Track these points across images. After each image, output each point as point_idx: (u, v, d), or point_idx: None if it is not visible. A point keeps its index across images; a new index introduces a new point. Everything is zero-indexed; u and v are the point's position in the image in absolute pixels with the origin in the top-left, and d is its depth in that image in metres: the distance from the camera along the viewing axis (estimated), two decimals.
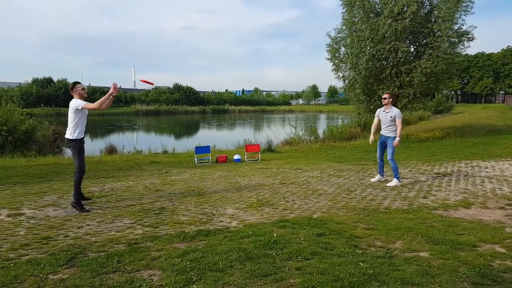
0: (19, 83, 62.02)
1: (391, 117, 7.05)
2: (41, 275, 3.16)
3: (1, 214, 5.27)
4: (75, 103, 5.35)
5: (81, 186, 5.71)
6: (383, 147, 7.32)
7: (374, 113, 24.96)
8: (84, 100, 5.42)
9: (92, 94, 65.93)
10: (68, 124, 5.47)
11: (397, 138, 6.99)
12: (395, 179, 7.13)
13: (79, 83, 5.57)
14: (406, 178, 7.84)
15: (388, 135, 7.19)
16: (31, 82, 60.83)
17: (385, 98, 7.17)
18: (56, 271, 3.26)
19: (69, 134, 5.47)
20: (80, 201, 5.52)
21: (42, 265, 3.37)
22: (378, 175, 7.57)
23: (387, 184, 7.09)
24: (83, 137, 5.65)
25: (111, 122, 41.67)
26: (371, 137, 7.53)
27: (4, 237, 4.27)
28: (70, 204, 5.57)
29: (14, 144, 13.73)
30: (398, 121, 6.97)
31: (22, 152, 13.45)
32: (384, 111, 7.21)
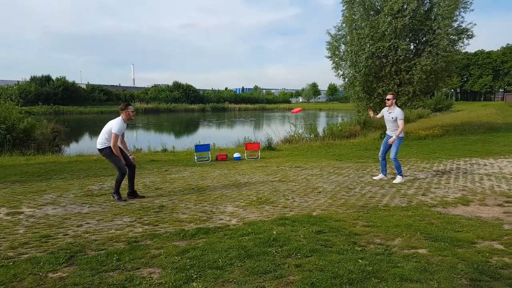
0: (18, 81, 61.90)
1: (392, 118, 7.08)
2: (41, 274, 3.16)
3: (0, 213, 5.28)
4: (116, 126, 5.91)
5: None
6: (387, 146, 7.33)
7: (374, 110, 25.05)
8: (127, 120, 6.13)
9: (91, 92, 66.05)
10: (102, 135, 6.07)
11: (393, 137, 7.06)
12: (399, 176, 7.21)
13: (131, 105, 6.25)
14: (406, 176, 7.85)
15: (392, 135, 7.21)
16: (29, 80, 60.69)
17: (388, 99, 7.14)
18: (56, 270, 3.26)
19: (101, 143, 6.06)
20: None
21: (42, 263, 3.37)
22: (381, 174, 7.56)
23: (393, 182, 7.16)
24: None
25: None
26: (372, 114, 7.51)
27: (3, 235, 4.27)
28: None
29: (12, 143, 13.71)
30: (400, 122, 6.99)
31: (21, 150, 13.43)
32: (387, 111, 7.22)
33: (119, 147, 6.05)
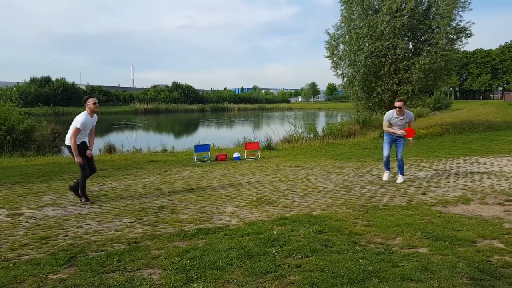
0: (17, 82, 61.86)
1: (406, 123, 6.98)
2: (41, 275, 3.16)
3: (0, 214, 5.27)
4: (78, 120, 5.66)
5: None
6: (392, 145, 7.18)
7: (373, 110, 25.02)
8: (92, 113, 5.86)
9: (91, 92, 65.96)
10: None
11: (403, 131, 6.94)
12: (402, 175, 7.18)
13: (93, 97, 5.87)
14: (405, 175, 7.85)
15: (399, 135, 7.09)
16: (29, 81, 60.66)
17: (400, 108, 6.86)
18: (56, 271, 3.26)
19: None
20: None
21: (42, 265, 3.37)
22: (387, 171, 7.39)
23: (397, 181, 7.08)
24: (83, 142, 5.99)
25: (109, 121, 41.59)
26: (397, 131, 7.00)
27: (3, 237, 4.27)
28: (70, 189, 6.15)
29: (12, 144, 13.70)
30: (412, 124, 7.07)
31: (21, 151, 13.43)
32: (397, 117, 6.95)
33: (82, 144, 5.83)
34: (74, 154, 5.66)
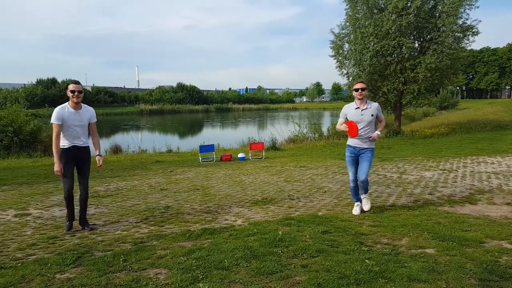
0: (24, 84, 62.46)
1: (372, 115, 4.80)
2: (48, 275, 3.18)
3: (8, 215, 5.32)
4: (53, 113, 4.32)
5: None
6: (357, 163, 5.01)
7: None
8: (74, 106, 4.39)
9: (96, 94, 66.35)
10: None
11: (377, 132, 4.89)
12: (366, 195, 5.13)
13: (74, 82, 4.43)
14: (412, 175, 7.80)
15: (363, 145, 4.88)
16: (35, 83, 61.22)
17: (362, 90, 4.77)
18: (63, 271, 3.28)
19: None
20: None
21: (49, 264, 3.39)
22: (357, 203, 5.19)
23: (364, 208, 5.09)
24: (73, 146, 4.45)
25: (116, 122, 41.81)
26: (343, 127, 4.88)
27: (11, 237, 4.30)
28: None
29: (19, 145, 13.84)
30: (383, 117, 5.03)
31: (28, 152, 13.56)
32: (358, 107, 4.85)
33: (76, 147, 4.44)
34: (54, 158, 4.30)
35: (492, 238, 3.94)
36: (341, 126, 4.93)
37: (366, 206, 5.05)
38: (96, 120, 4.68)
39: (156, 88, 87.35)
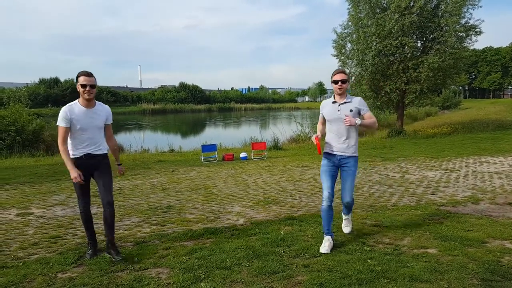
0: (26, 83, 62.66)
1: (351, 110, 3.66)
2: (50, 274, 3.19)
3: (10, 214, 5.33)
4: (59, 114, 3.45)
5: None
6: (335, 174, 3.86)
7: (381, 109, 24.82)
8: (86, 103, 3.51)
9: (99, 93, 66.43)
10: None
11: (358, 119, 3.59)
12: (348, 216, 4.16)
13: (85, 74, 3.46)
14: (414, 175, 7.78)
15: (346, 152, 3.73)
16: (38, 82, 61.43)
17: (342, 82, 3.65)
18: (65, 270, 3.29)
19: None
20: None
21: (51, 264, 3.40)
22: (327, 237, 3.77)
23: (344, 231, 4.16)
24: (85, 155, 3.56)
25: (119, 121, 41.89)
26: (319, 133, 3.81)
27: (13, 236, 4.32)
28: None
29: (22, 144, 13.88)
30: (370, 114, 3.72)
31: (30, 152, 13.60)
32: (335, 102, 3.76)
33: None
34: (67, 167, 3.44)
35: (494, 238, 3.93)
36: (319, 126, 3.96)
37: (347, 229, 4.11)
38: (112, 121, 3.79)
39: (159, 87, 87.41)
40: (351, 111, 3.65)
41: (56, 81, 61.68)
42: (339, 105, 3.70)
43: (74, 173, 3.40)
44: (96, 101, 3.61)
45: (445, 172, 7.97)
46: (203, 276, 3.08)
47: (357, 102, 3.70)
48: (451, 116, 30.61)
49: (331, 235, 3.81)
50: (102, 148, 3.67)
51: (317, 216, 4.87)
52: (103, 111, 3.66)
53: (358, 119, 3.59)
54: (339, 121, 3.67)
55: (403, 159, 10.11)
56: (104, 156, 3.68)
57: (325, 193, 3.77)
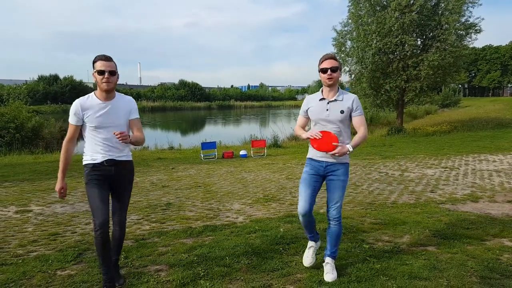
0: (26, 80, 62.55)
1: (342, 111, 2.91)
2: (49, 271, 3.18)
3: (9, 211, 5.33)
4: (72, 108, 2.80)
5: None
6: (318, 186, 3.06)
7: (381, 107, 24.86)
8: (105, 95, 2.78)
9: None
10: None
11: (350, 145, 2.85)
12: (332, 260, 3.06)
13: (103, 58, 2.75)
14: (414, 173, 7.79)
15: (334, 158, 2.95)
16: (37, 79, 61.30)
17: (332, 70, 2.89)
18: (64, 267, 3.28)
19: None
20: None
21: (50, 261, 3.39)
22: (311, 242, 3.23)
23: (325, 278, 2.94)
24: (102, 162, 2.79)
25: None
26: (304, 135, 3.12)
27: (12, 233, 4.31)
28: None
29: (21, 141, 13.88)
30: (361, 120, 2.96)
31: (30, 149, 13.60)
32: (323, 98, 3.00)
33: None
34: (58, 173, 2.82)
35: (493, 236, 3.93)
36: (299, 130, 3.21)
37: (329, 276, 2.94)
38: (138, 115, 3.02)
39: (158, 85, 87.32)
40: (342, 112, 2.90)
41: (55, 78, 61.53)
42: (328, 103, 2.94)
43: (60, 184, 2.80)
44: (116, 92, 2.88)
45: (445, 170, 7.98)
46: (203, 273, 3.08)
47: (350, 101, 2.93)
48: (451, 114, 30.62)
49: (315, 240, 3.20)
50: (126, 152, 2.90)
51: (315, 214, 4.87)
52: (125, 103, 2.89)
53: (350, 145, 2.84)
54: (327, 123, 2.94)
55: (403, 157, 10.11)
56: (129, 163, 2.93)
57: (301, 208, 2.99)
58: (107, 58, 2.77)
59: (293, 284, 2.90)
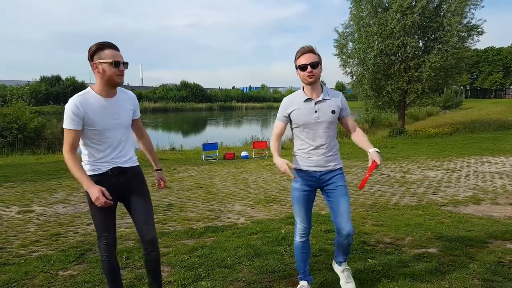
0: (28, 81, 62.75)
1: (333, 111, 2.60)
2: (51, 272, 3.19)
3: (11, 211, 5.34)
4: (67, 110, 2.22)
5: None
6: (313, 198, 2.69)
7: (382, 108, 24.98)
8: (107, 90, 2.28)
9: None
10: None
11: (374, 149, 2.55)
12: (344, 264, 2.84)
13: (111, 46, 2.20)
14: (415, 175, 7.78)
15: (328, 165, 2.63)
16: (39, 80, 61.52)
17: (313, 66, 2.47)
18: (66, 268, 3.29)
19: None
20: None
21: (52, 261, 3.40)
22: (303, 283, 2.74)
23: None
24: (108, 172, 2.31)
25: None
26: (280, 162, 2.61)
27: (14, 233, 4.32)
28: None
29: (24, 142, 13.91)
30: (353, 120, 2.83)
31: (32, 149, 13.64)
32: (309, 98, 2.58)
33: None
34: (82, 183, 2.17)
35: (495, 238, 3.92)
36: (276, 150, 2.77)
37: (350, 285, 2.71)
38: (140, 114, 2.57)
39: (160, 86, 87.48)
40: (333, 112, 2.59)
41: (57, 78, 61.75)
42: (315, 104, 2.56)
43: (95, 191, 2.11)
44: (118, 88, 2.36)
45: (447, 172, 7.96)
46: (204, 274, 3.08)
47: (338, 99, 2.63)
48: (453, 116, 30.57)
49: (308, 280, 2.75)
50: (133, 157, 2.48)
51: (317, 215, 4.87)
52: (129, 100, 2.40)
53: (373, 149, 2.53)
54: (317, 127, 2.60)
55: (404, 158, 10.10)
56: (137, 169, 2.49)
57: (300, 226, 2.68)
58: (117, 47, 2.24)
59: (294, 285, 2.89)
